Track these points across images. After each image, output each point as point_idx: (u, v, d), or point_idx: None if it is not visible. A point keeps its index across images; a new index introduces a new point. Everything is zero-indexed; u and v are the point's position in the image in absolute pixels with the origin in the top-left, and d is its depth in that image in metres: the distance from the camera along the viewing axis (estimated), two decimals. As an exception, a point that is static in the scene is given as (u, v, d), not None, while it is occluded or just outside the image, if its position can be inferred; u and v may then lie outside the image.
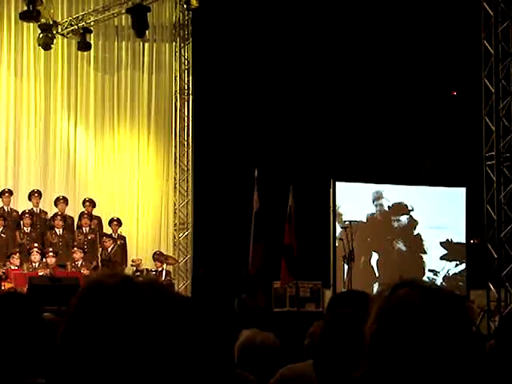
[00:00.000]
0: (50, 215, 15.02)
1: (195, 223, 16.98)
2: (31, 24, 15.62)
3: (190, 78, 17.13)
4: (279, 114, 16.68)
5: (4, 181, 15.58)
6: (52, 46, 15.67)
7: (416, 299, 1.69)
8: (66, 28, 16.08)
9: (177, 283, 16.01)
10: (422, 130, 17.20)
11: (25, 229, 14.54)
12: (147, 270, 15.00)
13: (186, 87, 17.13)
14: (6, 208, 14.75)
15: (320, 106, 16.88)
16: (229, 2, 15.74)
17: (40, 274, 13.29)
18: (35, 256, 13.66)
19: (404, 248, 15.73)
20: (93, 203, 15.29)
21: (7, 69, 15.93)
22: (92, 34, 16.25)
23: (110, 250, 14.72)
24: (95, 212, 15.36)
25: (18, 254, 13.69)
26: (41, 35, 15.47)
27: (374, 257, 15.46)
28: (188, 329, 1.52)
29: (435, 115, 17.23)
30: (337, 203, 15.17)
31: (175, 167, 16.98)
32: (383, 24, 16.21)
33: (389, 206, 15.60)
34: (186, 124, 17.08)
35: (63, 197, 15.14)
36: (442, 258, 15.80)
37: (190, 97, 17.09)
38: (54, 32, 15.74)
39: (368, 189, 15.63)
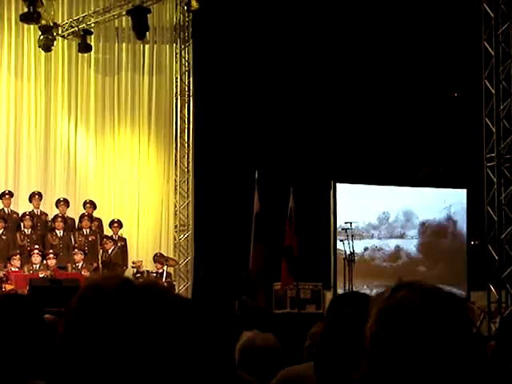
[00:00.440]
0: (50, 217, 15.02)
1: (196, 225, 16.97)
2: (32, 26, 15.62)
3: (191, 79, 17.13)
4: (280, 116, 16.67)
5: (4, 182, 15.58)
6: (52, 47, 15.67)
7: (416, 301, 1.69)
8: (67, 30, 16.09)
9: (177, 285, 16.01)
10: (422, 132, 17.19)
11: (25, 230, 14.54)
12: (148, 271, 15.00)
13: (187, 89, 17.13)
14: (6, 210, 14.75)
15: (320, 108, 16.87)
16: (229, 3, 15.74)
17: (40, 275, 13.30)
18: (36, 258, 13.66)
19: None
20: (93, 205, 15.29)
21: (8, 70, 15.93)
22: (92, 36, 16.26)
23: (110, 251, 14.72)
24: (96, 214, 15.37)
25: (18, 256, 13.69)
26: (41, 37, 15.47)
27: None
28: (188, 330, 1.52)
29: (436, 117, 17.22)
30: (337, 204, 15.17)
31: (176, 169, 16.97)
32: (384, 26, 16.21)
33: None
34: (186, 126, 17.08)
35: (64, 199, 15.14)
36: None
37: (191, 98, 17.09)
38: (55, 34, 15.74)
39: (368, 190, 15.63)
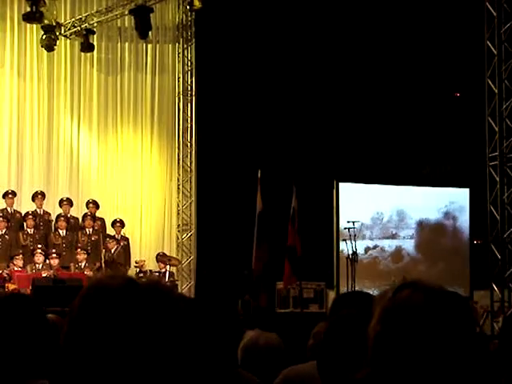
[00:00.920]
0: (53, 216, 15.03)
1: (198, 224, 16.97)
2: (34, 25, 15.64)
3: (193, 79, 17.13)
4: (282, 115, 16.68)
5: (7, 182, 15.59)
6: (55, 47, 15.68)
7: (419, 300, 1.69)
8: (69, 29, 16.09)
9: (180, 284, 16.01)
10: (425, 131, 17.19)
11: (28, 230, 14.54)
12: (150, 271, 15.00)
13: (189, 88, 17.14)
14: (9, 209, 14.76)
15: (323, 107, 16.87)
16: (232, 3, 15.74)
17: (43, 275, 13.30)
18: (39, 257, 13.67)
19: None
20: (96, 205, 15.30)
21: (10, 70, 15.94)
22: (95, 36, 16.26)
23: (113, 251, 14.73)
24: (98, 213, 15.37)
25: (21, 256, 13.69)
26: (44, 36, 15.48)
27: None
28: (191, 330, 1.52)
29: (438, 116, 17.22)
30: (340, 204, 15.16)
31: (178, 168, 16.98)
32: (386, 26, 16.21)
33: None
34: (189, 125, 17.08)
35: (67, 198, 15.15)
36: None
37: (193, 98, 17.10)
38: (57, 33, 15.75)
39: (371, 189, 15.62)
